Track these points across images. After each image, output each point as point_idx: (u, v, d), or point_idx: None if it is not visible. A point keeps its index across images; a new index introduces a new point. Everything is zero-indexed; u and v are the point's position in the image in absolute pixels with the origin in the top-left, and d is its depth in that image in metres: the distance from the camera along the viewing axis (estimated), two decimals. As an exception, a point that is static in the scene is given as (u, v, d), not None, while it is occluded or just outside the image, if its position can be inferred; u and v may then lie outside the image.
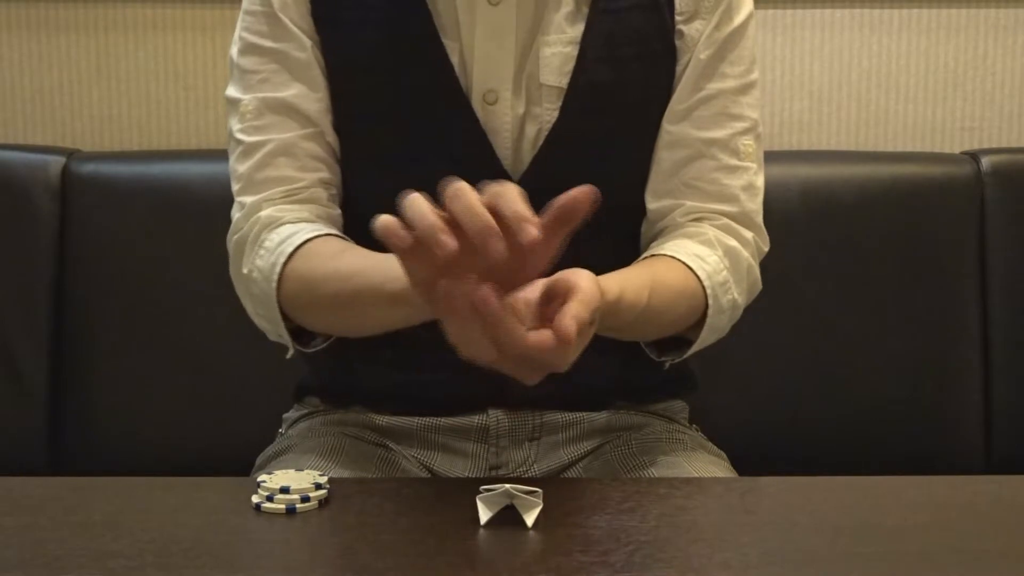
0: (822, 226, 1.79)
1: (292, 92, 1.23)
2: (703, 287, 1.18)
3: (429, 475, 1.26)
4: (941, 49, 1.99)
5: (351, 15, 1.22)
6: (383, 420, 1.28)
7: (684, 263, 1.18)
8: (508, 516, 0.91)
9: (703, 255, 1.19)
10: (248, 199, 1.23)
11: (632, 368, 1.28)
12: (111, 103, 1.99)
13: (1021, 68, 2.00)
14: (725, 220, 1.24)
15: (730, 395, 1.70)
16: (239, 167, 1.24)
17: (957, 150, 1.96)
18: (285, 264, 1.16)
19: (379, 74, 1.22)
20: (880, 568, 0.85)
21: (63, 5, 1.96)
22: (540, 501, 0.92)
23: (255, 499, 0.95)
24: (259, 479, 0.97)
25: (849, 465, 1.66)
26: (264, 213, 1.21)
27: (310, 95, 1.23)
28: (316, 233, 1.18)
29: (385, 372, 1.26)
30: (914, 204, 1.81)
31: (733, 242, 1.23)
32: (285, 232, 1.18)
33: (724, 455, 1.32)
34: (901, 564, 0.86)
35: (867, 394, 1.80)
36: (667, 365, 1.24)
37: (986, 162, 1.84)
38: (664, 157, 1.25)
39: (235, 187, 1.25)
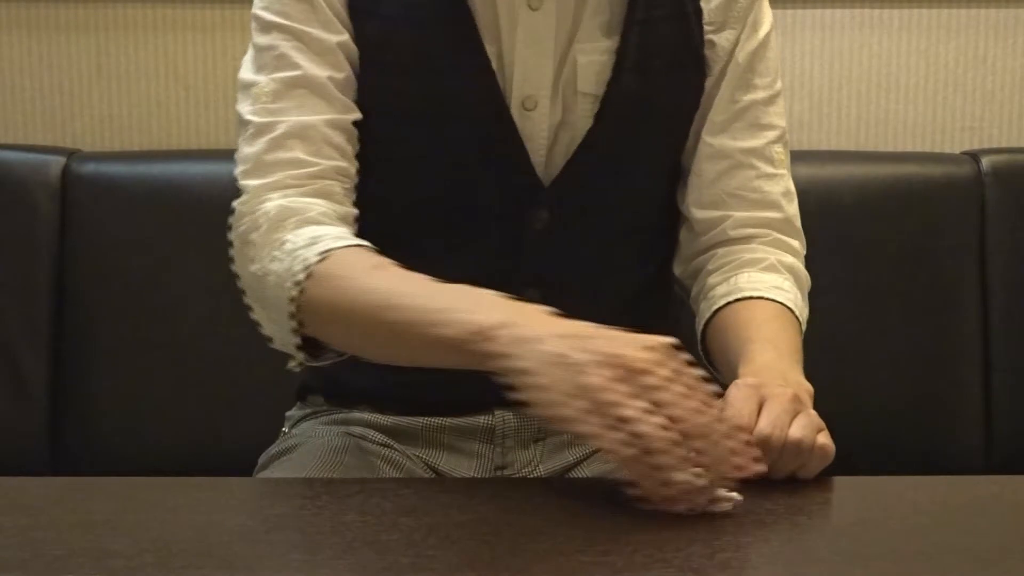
0: (822, 226, 1.78)
1: (317, 71, 1.14)
2: (795, 316, 1.22)
3: (434, 475, 1.26)
4: (941, 49, 1.99)
5: (390, 10, 1.18)
6: (388, 420, 1.27)
7: (772, 300, 1.21)
8: (509, 516, 0.91)
9: (782, 285, 1.23)
10: (253, 182, 1.12)
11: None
12: (111, 103, 1.99)
13: (1021, 68, 2.00)
14: (773, 234, 1.27)
15: (730, 395, 1.69)
16: (247, 149, 1.13)
17: (957, 150, 1.96)
18: (309, 274, 1.04)
19: (416, 74, 1.18)
20: (880, 568, 0.85)
21: (63, 5, 1.96)
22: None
23: None
24: None
25: (849, 465, 1.65)
26: (274, 206, 1.09)
27: (337, 77, 1.16)
28: (346, 243, 1.06)
29: (390, 372, 1.24)
30: (914, 204, 1.82)
31: (789, 258, 1.27)
32: (308, 234, 1.07)
33: (724, 455, 1.32)
34: (901, 564, 0.86)
35: (867, 394, 1.80)
36: None
37: (986, 162, 1.84)
38: (706, 169, 1.27)
39: (239, 170, 1.14)
